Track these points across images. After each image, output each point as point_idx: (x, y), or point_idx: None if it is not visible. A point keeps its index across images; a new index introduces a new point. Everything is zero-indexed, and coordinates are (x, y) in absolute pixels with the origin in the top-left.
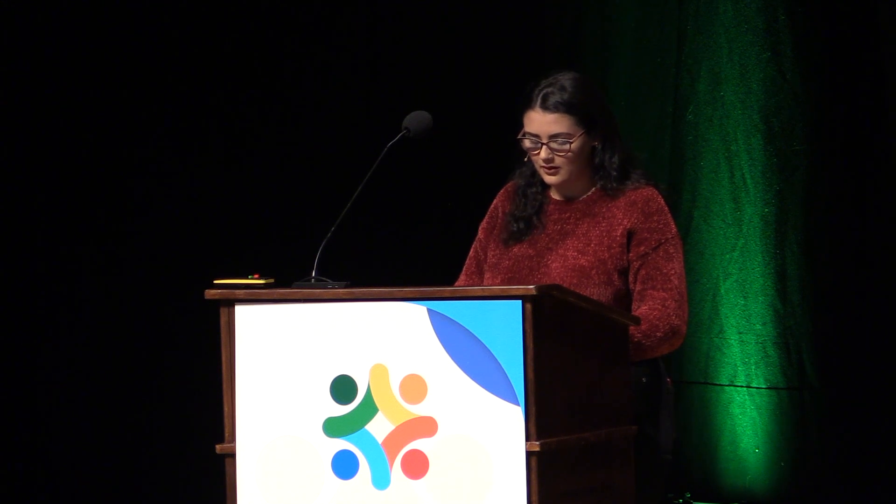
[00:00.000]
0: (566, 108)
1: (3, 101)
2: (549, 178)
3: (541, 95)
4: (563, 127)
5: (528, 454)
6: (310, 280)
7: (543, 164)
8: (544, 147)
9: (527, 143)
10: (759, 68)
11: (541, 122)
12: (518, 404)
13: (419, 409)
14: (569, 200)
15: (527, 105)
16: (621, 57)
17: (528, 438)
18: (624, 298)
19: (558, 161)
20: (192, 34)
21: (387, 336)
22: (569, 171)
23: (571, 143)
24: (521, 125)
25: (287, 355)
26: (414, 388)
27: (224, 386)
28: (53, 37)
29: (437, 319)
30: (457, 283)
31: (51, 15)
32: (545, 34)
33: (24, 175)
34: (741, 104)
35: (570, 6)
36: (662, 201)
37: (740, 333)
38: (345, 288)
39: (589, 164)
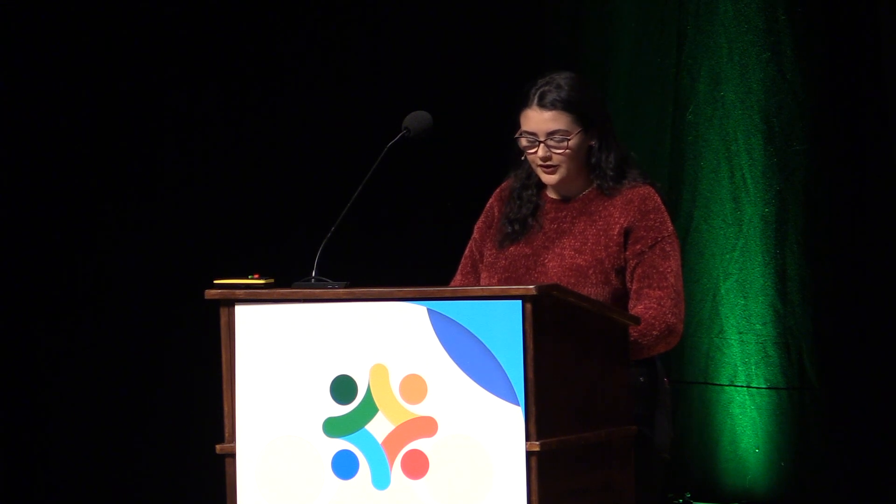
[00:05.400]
0: (563, 105)
1: (4, 100)
2: (546, 178)
3: (538, 94)
4: (561, 124)
5: (528, 454)
6: (310, 280)
7: (541, 163)
8: (542, 145)
9: (524, 142)
10: (759, 68)
11: (538, 119)
12: (518, 404)
13: (419, 409)
14: (565, 200)
15: (523, 104)
16: (621, 57)
17: (528, 438)
18: (622, 298)
19: (556, 159)
20: (193, 34)
21: (387, 336)
22: (567, 170)
23: (569, 140)
24: (518, 125)
25: (287, 355)
26: (414, 388)
27: (224, 386)
28: (54, 36)
29: (437, 319)
30: (452, 283)
31: (51, 14)
32: (545, 34)
33: (24, 175)
34: (741, 104)
35: (570, 6)
36: (659, 200)
37: (740, 333)
38: (345, 288)
39: (586, 164)
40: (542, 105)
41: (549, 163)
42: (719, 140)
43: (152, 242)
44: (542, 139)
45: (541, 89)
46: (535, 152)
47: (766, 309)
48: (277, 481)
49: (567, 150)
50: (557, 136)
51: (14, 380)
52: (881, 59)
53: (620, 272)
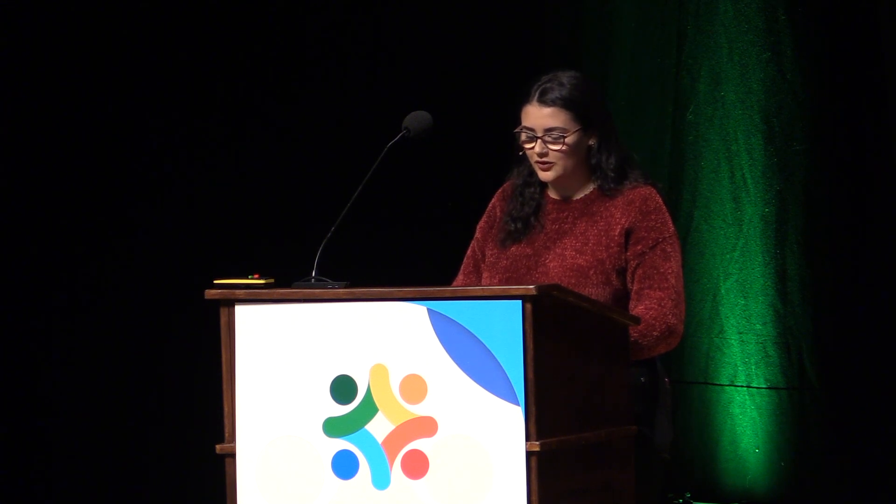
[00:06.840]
0: (563, 103)
1: (4, 101)
2: (542, 174)
3: (539, 90)
4: (559, 121)
5: (528, 454)
6: (310, 280)
7: (538, 159)
8: (539, 141)
9: (522, 137)
10: (759, 68)
11: (537, 115)
12: (518, 404)
13: (419, 409)
14: (566, 200)
15: (524, 99)
16: (621, 57)
17: (528, 438)
18: (622, 298)
19: (552, 156)
20: (193, 34)
21: (387, 336)
22: (563, 168)
23: (566, 137)
24: (519, 121)
25: (287, 355)
26: (414, 388)
27: (224, 386)
28: (54, 36)
29: (437, 319)
30: (454, 283)
31: (52, 14)
32: (545, 34)
33: (24, 175)
34: (741, 104)
35: (570, 6)
36: (660, 200)
37: (740, 333)
38: (345, 288)
39: (586, 164)
40: (543, 101)
41: (545, 159)
42: (719, 140)
43: (152, 242)
44: (539, 135)
45: (543, 86)
46: (533, 148)
47: (766, 309)
48: (277, 481)
49: (563, 148)
50: (555, 133)
51: (14, 380)
52: (881, 59)
53: (621, 273)
